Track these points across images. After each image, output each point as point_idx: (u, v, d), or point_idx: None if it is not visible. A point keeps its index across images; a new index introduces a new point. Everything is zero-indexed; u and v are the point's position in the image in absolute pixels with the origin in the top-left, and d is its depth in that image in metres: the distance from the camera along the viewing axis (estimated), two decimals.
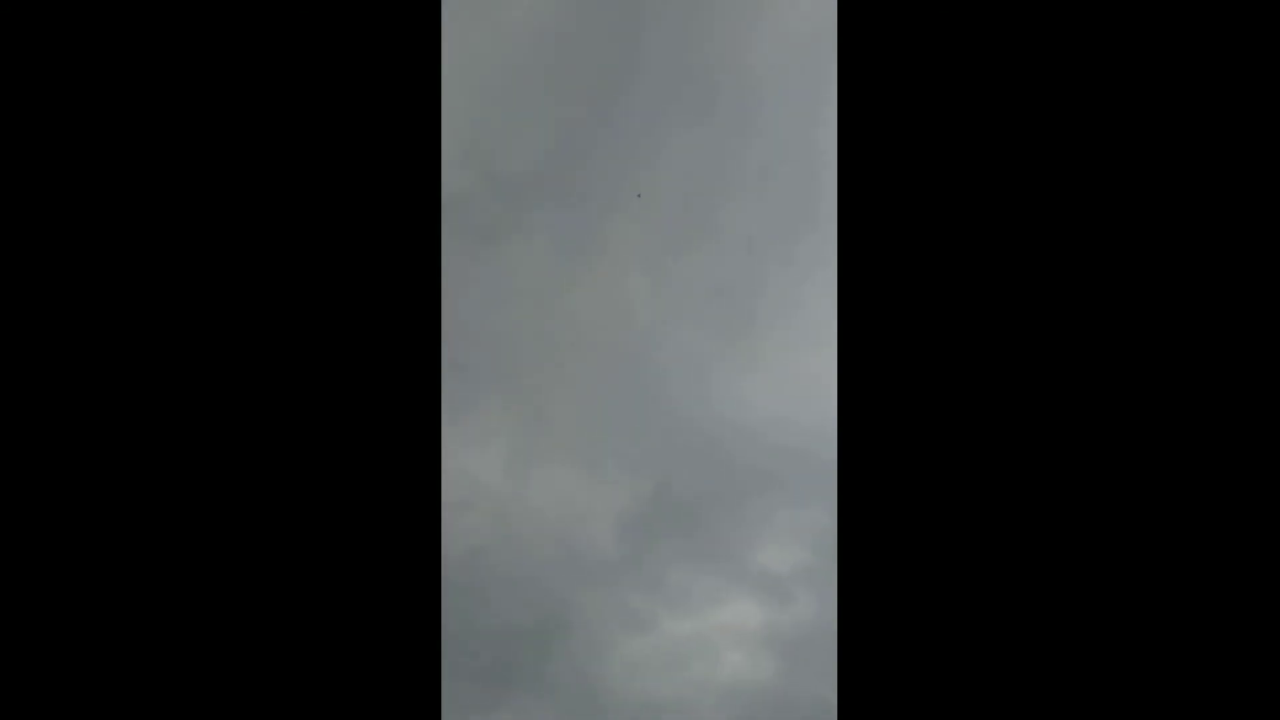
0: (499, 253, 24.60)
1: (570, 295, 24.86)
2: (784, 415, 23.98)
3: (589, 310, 24.79)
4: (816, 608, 23.50)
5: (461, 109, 22.64)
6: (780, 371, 24.70)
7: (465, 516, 24.23)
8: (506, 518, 24.81)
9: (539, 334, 24.74)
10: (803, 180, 24.07)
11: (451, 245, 23.29)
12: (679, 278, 24.77)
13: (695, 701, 23.54)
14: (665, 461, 24.92)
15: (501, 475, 24.88)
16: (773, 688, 23.34)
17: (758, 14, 23.35)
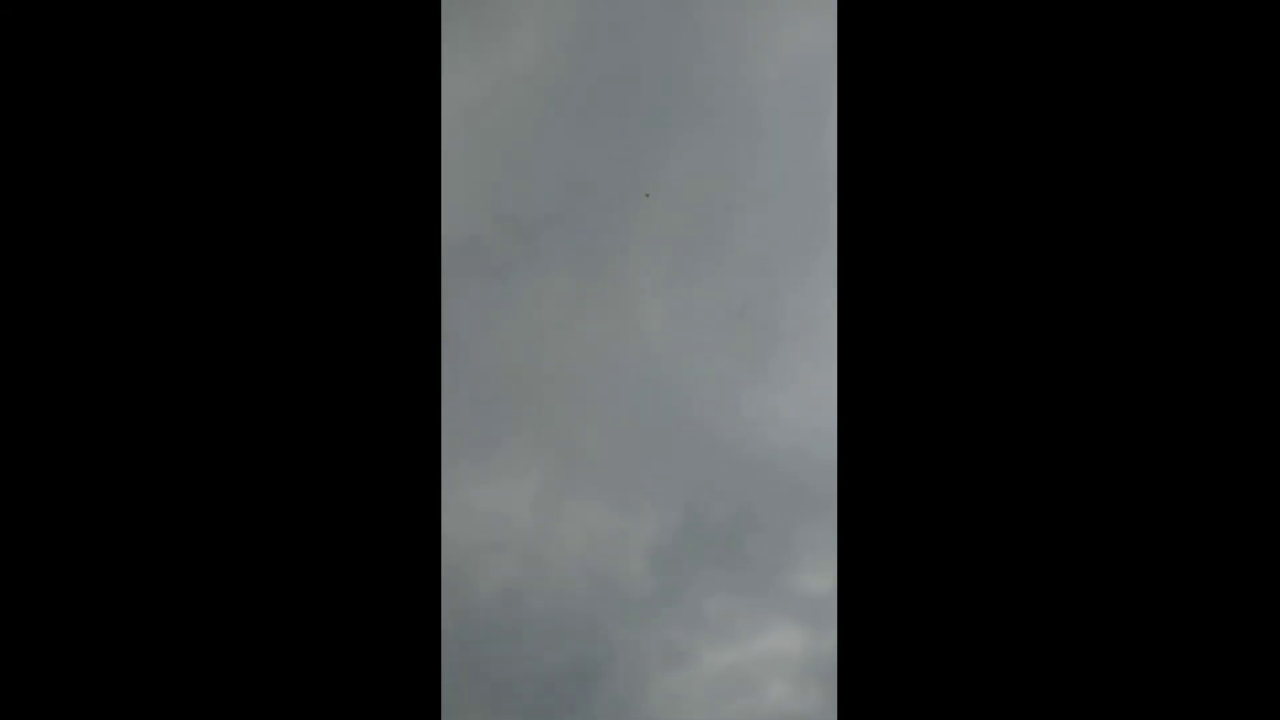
0: (516, 290, 24.71)
1: (590, 326, 24.87)
2: (813, 431, 23.66)
3: (609, 340, 24.76)
4: None
5: (466, 151, 22.94)
6: (806, 388, 24.43)
7: (497, 557, 24.06)
8: (539, 556, 24.59)
9: (561, 367, 24.71)
10: (814, 196, 24.02)
11: (469, 286, 23.44)
12: (697, 301, 24.71)
13: None
14: (696, 488, 24.64)
15: (532, 513, 24.72)
16: (820, 717, 22.71)
17: (761, 36, 23.54)
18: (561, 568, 24.37)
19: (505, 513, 24.10)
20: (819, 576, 24.17)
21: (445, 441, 6.42)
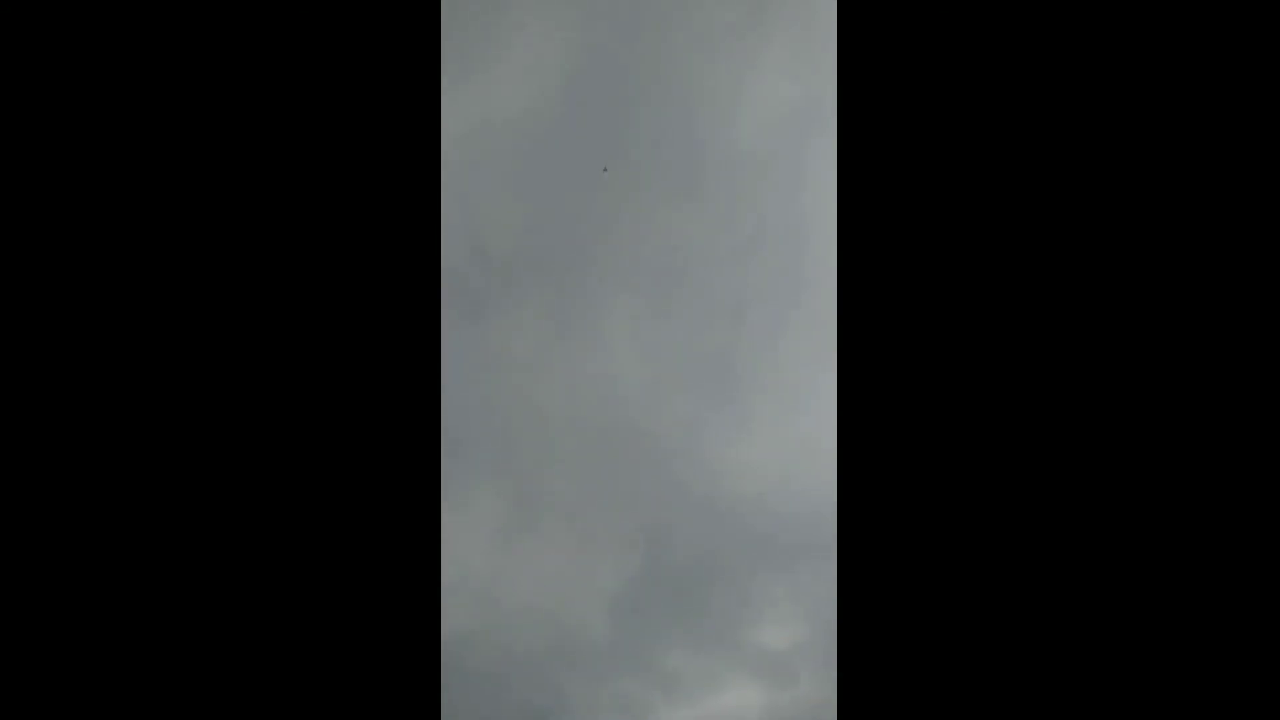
0: (488, 326, 24.61)
1: (559, 367, 24.77)
2: (776, 480, 23.61)
3: (576, 380, 24.65)
4: (820, 687, 22.48)
5: (451, 184, 23.10)
6: (772, 435, 24.47)
7: (450, 601, 23.25)
8: (494, 601, 23.86)
9: (527, 405, 24.47)
10: (785, 250, 24.56)
11: (442, 320, 23.23)
12: (665, 346, 24.82)
13: None
14: (657, 533, 24.29)
15: (489, 555, 24.09)
16: None
17: (740, 94, 24.36)
18: (516, 613, 23.65)
19: (461, 552, 23.44)
20: (777, 630, 23.77)
21: None
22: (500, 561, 24.05)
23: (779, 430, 24.46)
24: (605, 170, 22.21)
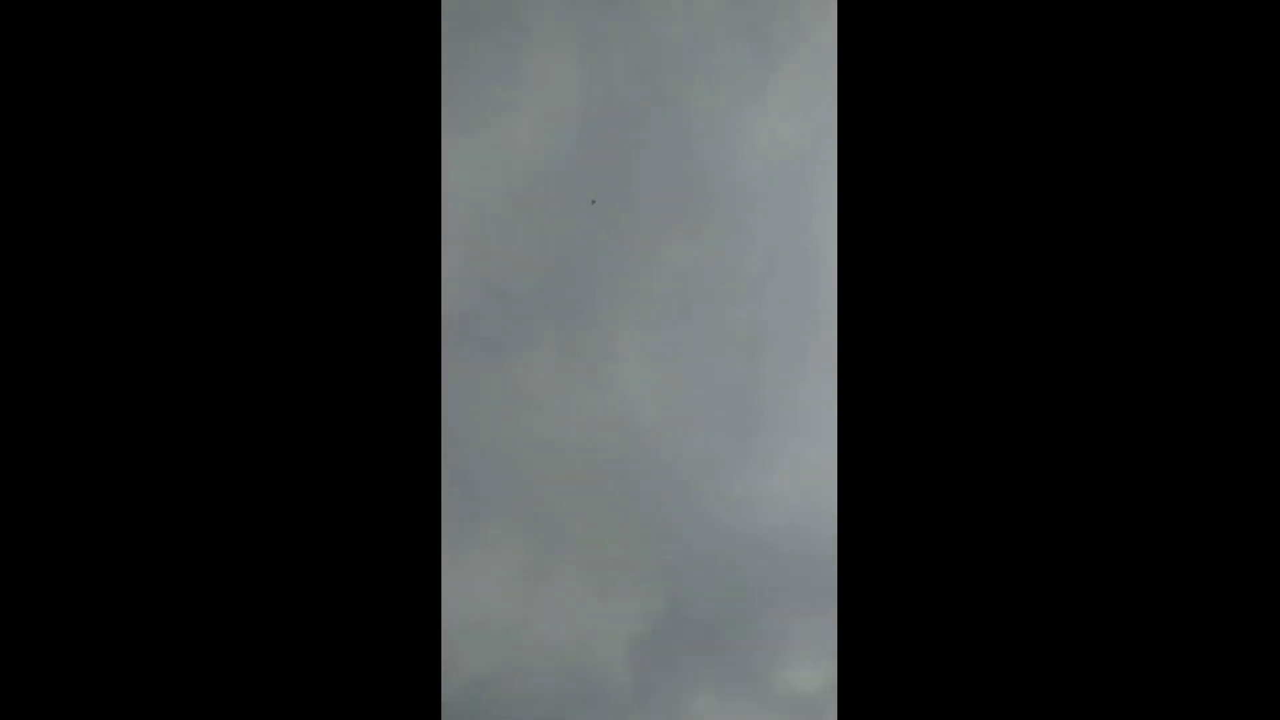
0: (506, 366, 24.58)
1: (576, 405, 24.65)
2: (801, 515, 23.23)
3: (595, 418, 24.51)
4: None
5: (466, 227, 23.29)
6: (794, 470, 24.15)
7: (469, 644, 22.89)
8: (514, 644, 23.45)
9: (545, 444, 24.31)
10: (800, 280, 24.50)
11: (459, 360, 23.31)
12: (684, 381, 24.67)
13: None
14: (679, 575, 23.88)
15: (508, 597, 23.74)
16: None
17: (744, 132, 24.54)
18: (537, 656, 23.22)
19: (480, 596, 23.12)
20: (805, 669, 23.17)
21: None
22: (520, 603, 23.70)
23: (802, 463, 24.14)
24: (593, 201, 22.41)
